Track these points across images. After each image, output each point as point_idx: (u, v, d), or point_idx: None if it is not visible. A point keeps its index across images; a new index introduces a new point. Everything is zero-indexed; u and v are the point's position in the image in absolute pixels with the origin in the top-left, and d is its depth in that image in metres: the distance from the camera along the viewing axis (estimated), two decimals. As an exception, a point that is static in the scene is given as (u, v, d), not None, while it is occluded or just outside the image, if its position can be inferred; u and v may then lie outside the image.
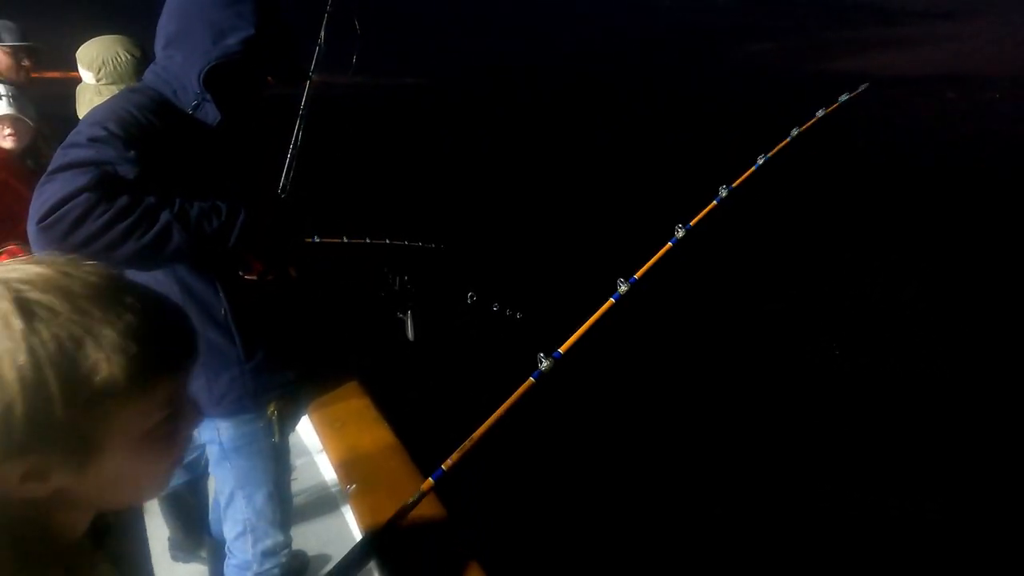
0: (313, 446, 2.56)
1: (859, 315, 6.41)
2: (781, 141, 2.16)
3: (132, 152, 1.23)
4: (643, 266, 1.97)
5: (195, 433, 1.66)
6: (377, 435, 2.40)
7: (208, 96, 1.36)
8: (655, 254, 1.98)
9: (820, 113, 2.31)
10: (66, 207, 1.12)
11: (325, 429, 2.44)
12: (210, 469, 1.71)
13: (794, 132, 2.18)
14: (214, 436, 1.59)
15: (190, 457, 2.22)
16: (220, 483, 1.68)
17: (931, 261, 8.92)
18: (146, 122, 1.30)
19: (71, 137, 1.27)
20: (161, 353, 0.58)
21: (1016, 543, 3.35)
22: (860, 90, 2.51)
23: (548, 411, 2.78)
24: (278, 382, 1.60)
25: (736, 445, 4.03)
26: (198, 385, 1.45)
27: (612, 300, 1.95)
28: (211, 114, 1.38)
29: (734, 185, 2.02)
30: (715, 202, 2.03)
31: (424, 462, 2.02)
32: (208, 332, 1.45)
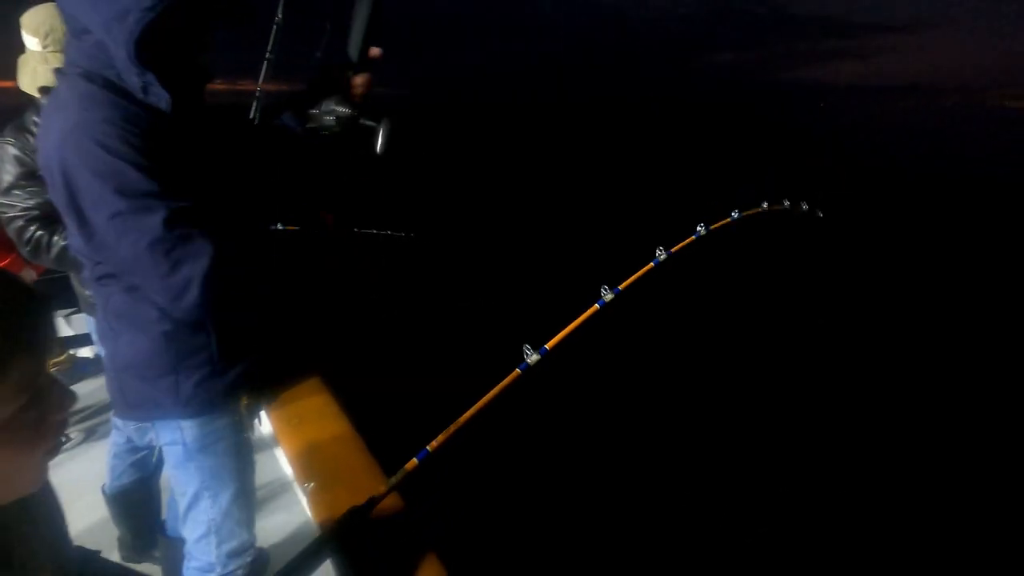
0: (270, 443, 2.44)
1: (831, 327, 6.88)
2: (754, 208, 2.47)
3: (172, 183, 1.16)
4: (627, 279, 2.15)
5: (150, 435, 1.59)
6: (337, 432, 2.34)
7: (149, 75, 1.13)
8: (638, 270, 2.17)
9: (785, 203, 2.64)
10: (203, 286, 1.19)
11: (283, 426, 2.36)
12: (169, 470, 1.61)
13: (764, 205, 2.50)
14: (177, 437, 1.50)
15: (137, 456, 2.09)
16: (183, 484, 1.58)
17: (900, 266, 9.71)
18: (147, 126, 1.16)
19: (119, 182, 1.10)
20: (6, 337, 0.54)
21: (1016, 543, 3.44)
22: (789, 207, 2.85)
23: (531, 406, 2.80)
24: (249, 378, 1.54)
25: (709, 446, 4.20)
26: (164, 386, 1.42)
27: (597, 306, 2.10)
28: (161, 97, 1.15)
29: (712, 227, 2.28)
30: (693, 237, 2.26)
31: (390, 459, 2.00)
32: (180, 332, 1.38)
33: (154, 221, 1.11)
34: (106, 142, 1.09)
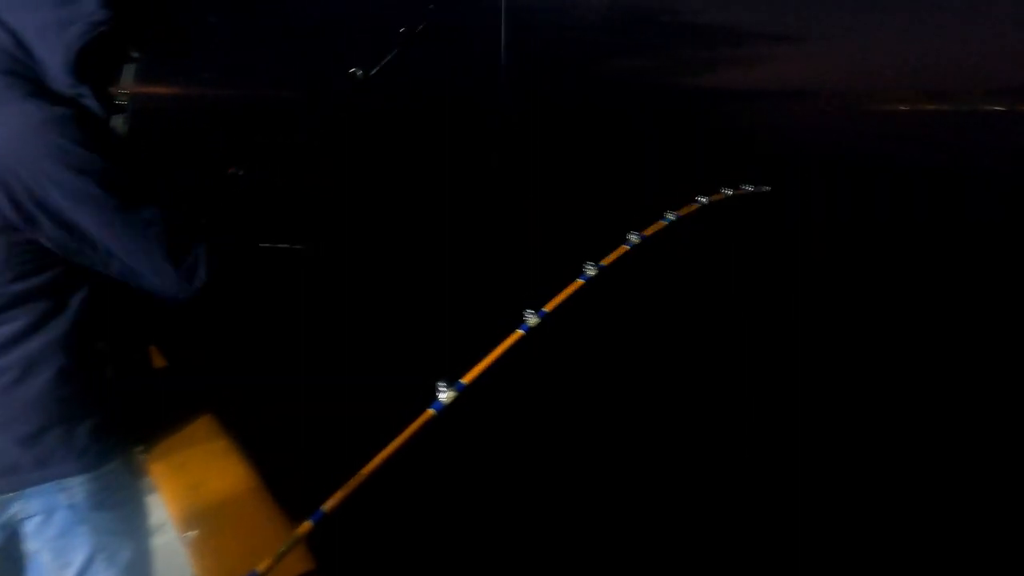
0: (152, 489, 2.15)
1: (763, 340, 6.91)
2: (688, 205, 2.29)
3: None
4: (553, 299, 1.93)
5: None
6: (231, 476, 2.06)
7: (83, 87, 1.11)
8: (565, 288, 1.96)
9: (727, 191, 2.45)
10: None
11: (165, 470, 2.06)
12: (41, 546, 1.35)
13: (703, 200, 2.32)
14: (59, 501, 1.29)
15: None
16: (71, 552, 1.36)
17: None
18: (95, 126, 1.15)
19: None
20: None
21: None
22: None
23: (447, 447, 2.58)
24: (144, 418, 1.50)
25: (643, 485, 4.01)
26: (51, 440, 1.25)
27: (520, 332, 1.88)
28: (94, 109, 1.14)
29: (645, 233, 2.09)
30: (626, 247, 2.07)
31: (295, 506, 1.75)
32: (78, 367, 1.25)
33: (152, 211, 1.16)
34: (79, 137, 1.07)
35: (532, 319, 1.88)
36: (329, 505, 1.61)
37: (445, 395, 1.74)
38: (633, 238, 2.11)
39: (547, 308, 1.91)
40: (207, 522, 1.85)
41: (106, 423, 1.32)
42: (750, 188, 2.65)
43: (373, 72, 2.01)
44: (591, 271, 1.98)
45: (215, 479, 1.98)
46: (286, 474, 1.99)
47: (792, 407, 5.23)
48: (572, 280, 1.95)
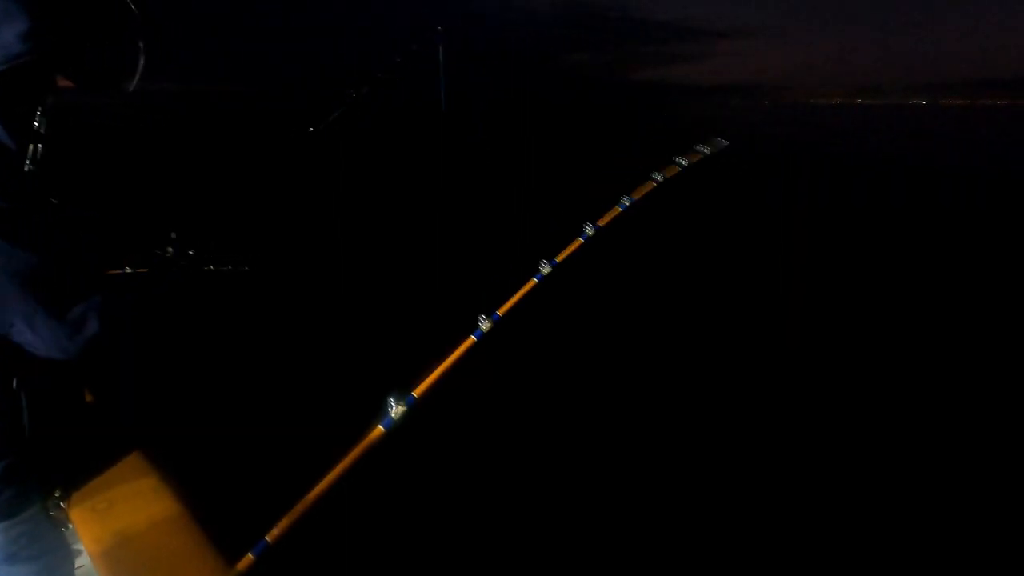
0: (71, 539, 1.96)
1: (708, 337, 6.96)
2: (643, 184, 2.21)
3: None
4: (507, 302, 1.85)
5: None
6: (163, 517, 1.88)
7: None
8: (519, 290, 1.87)
9: (682, 161, 2.36)
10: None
11: (89, 514, 1.88)
12: None
13: (659, 177, 2.22)
14: None
15: None
16: None
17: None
18: None
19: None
20: None
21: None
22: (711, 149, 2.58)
23: (399, 466, 2.45)
24: (65, 458, 1.40)
25: (604, 494, 3.92)
26: None
27: (473, 338, 1.79)
28: (5, 140, 1.11)
29: (600, 223, 2.02)
30: (580, 239, 2.00)
31: (237, 539, 1.62)
32: None
33: (31, 259, 1.06)
34: None
35: (485, 324, 1.80)
36: (273, 535, 1.49)
37: (395, 410, 1.63)
38: (588, 230, 2.04)
39: (500, 312, 1.82)
40: (137, 571, 1.69)
41: (20, 466, 1.23)
42: (705, 150, 2.49)
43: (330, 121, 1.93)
44: (545, 269, 1.91)
45: (145, 522, 1.80)
46: (226, 507, 1.83)
47: (751, 399, 5.31)
48: (526, 280, 1.88)
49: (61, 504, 1.44)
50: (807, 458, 4.35)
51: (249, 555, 1.46)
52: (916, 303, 7.95)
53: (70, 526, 1.85)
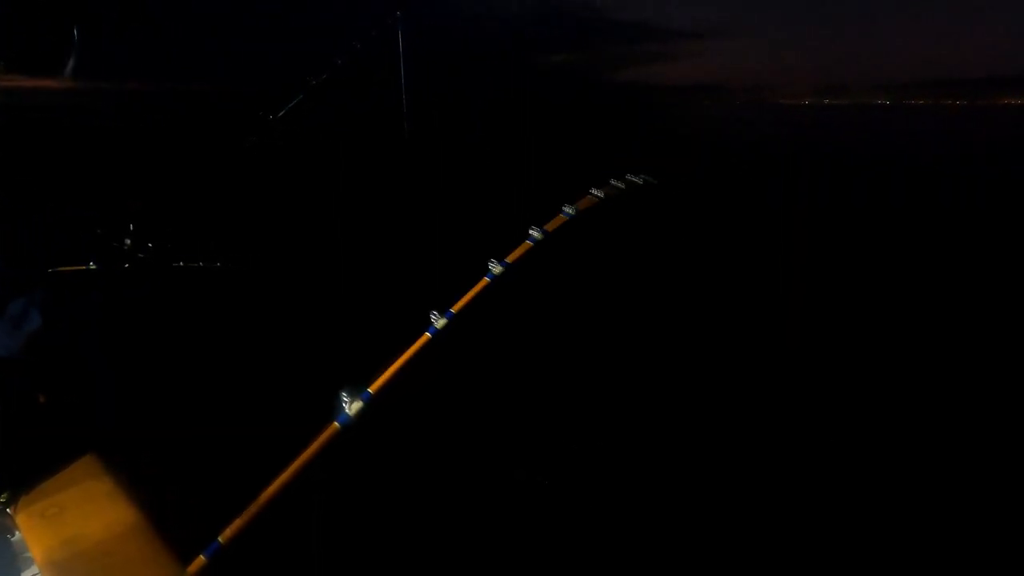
0: (19, 548, 1.92)
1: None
2: (584, 197, 2.30)
3: None
4: (461, 300, 1.88)
5: None
6: (115, 521, 1.86)
7: None
8: (472, 288, 1.91)
9: (598, 193, 2.46)
10: None
11: (36, 520, 1.85)
12: None
13: (570, 211, 2.31)
14: None
15: None
16: None
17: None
18: None
19: None
20: None
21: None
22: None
23: (355, 462, 2.45)
24: (12, 461, 1.37)
25: (564, 492, 3.93)
26: None
27: (428, 334, 1.82)
28: None
29: (547, 228, 2.08)
30: (529, 242, 2.06)
31: (190, 540, 1.62)
32: None
33: None
34: None
35: (439, 321, 1.83)
36: (226, 535, 1.50)
37: (351, 406, 1.65)
38: (535, 233, 2.10)
39: (454, 309, 1.86)
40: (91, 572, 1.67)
41: None
42: (638, 180, 2.70)
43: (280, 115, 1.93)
44: (496, 269, 1.95)
45: (98, 529, 1.78)
46: (181, 509, 1.83)
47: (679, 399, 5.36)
48: (478, 279, 1.92)
49: (8, 510, 1.40)
50: (802, 457, 4.42)
51: (201, 557, 1.47)
52: (888, 301, 8.13)
53: (17, 533, 1.83)
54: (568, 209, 2.22)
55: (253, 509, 1.52)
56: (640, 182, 2.58)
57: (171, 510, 1.79)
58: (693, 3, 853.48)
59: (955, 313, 7.81)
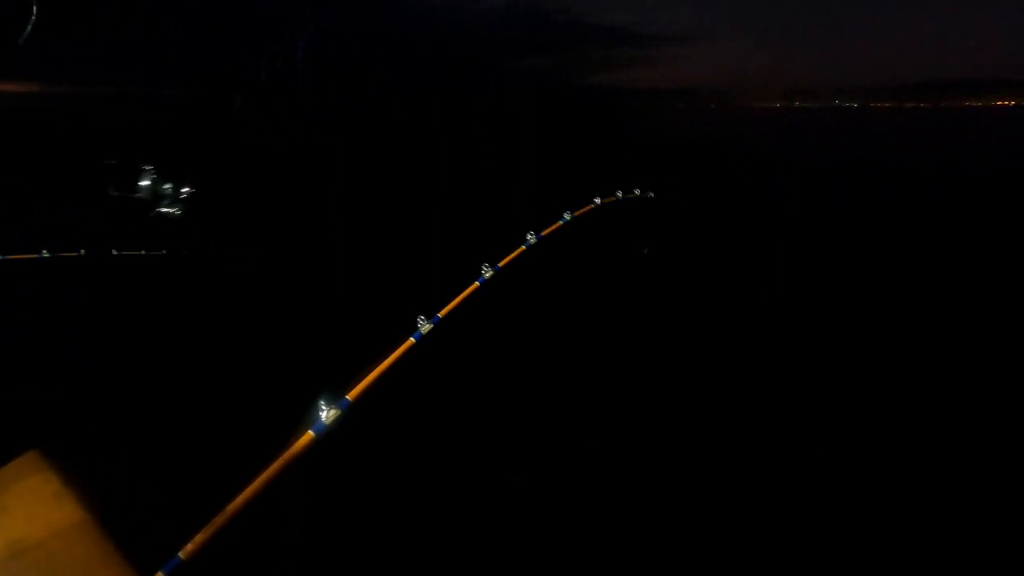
0: None
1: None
2: (585, 205, 2.31)
3: None
4: (447, 305, 1.79)
5: None
6: (64, 525, 1.74)
7: None
8: (459, 294, 1.82)
9: (613, 195, 2.48)
10: None
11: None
12: None
13: (597, 200, 2.36)
14: None
15: None
16: None
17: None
18: None
19: None
20: None
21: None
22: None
23: (331, 474, 2.31)
24: None
25: (547, 501, 3.84)
26: None
27: (412, 339, 1.72)
28: None
29: (543, 234, 2.02)
30: (523, 247, 1.98)
31: (148, 554, 1.50)
32: None
33: None
34: None
35: (425, 326, 1.74)
36: (188, 550, 1.39)
37: (327, 414, 1.55)
38: (531, 238, 2.03)
39: (441, 314, 1.77)
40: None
41: None
42: (637, 192, 2.84)
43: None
44: (487, 273, 1.86)
45: (43, 531, 1.65)
46: (136, 516, 1.70)
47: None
48: (469, 284, 1.83)
49: None
50: (797, 456, 4.44)
51: (159, 573, 1.36)
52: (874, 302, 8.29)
53: None
54: (567, 216, 2.17)
55: (218, 522, 1.41)
56: (638, 194, 2.60)
57: (126, 516, 1.66)
58: (667, 8, 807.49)
59: (921, 309, 8.05)
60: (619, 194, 2.40)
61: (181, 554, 1.37)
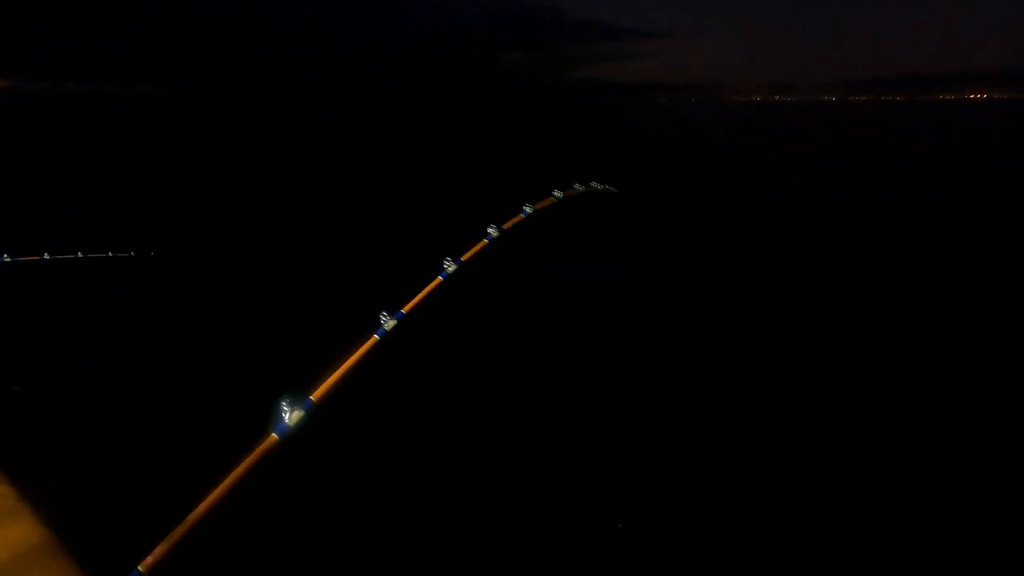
0: None
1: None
2: (545, 199, 2.32)
3: None
4: (411, 300, 1.77)
5: None
6: (18, 538, 1.66)
7: None
8: (423, 288, 1.81)
9: (528, 208, 2.46)
10: None
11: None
12: None
13: (557, 194, 2.39)
14: None
15: None
16: None
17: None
18: None
19: None
20: None
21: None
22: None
23: (296, 479, 2.24)
24: None
25: (515, 499, 3.78)
26: None
27: (376, 336, 1.70)
28: None
29: (504, 227, 2.02)
30: (485, 240, 1.98)
31: (105, 568, 1.43)
32: None
33: None
34: None
35: (389, 322, 1.71)
36: (147, 563, 1.33)
37: (291, 416, 1.51)
38: (492, 231, 2.03)
39: (404, 309, 1.75)
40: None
41: None
42: (598, 187, 2.89)
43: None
44: (451, 267, 1.85)
45: (1, 551, 1.57)
46: (96, 529, 1.62)
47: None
48: (432, 278, 1.81)
49: None
50: (789, 454, 4.47)
51: (118, 589, 1.29)
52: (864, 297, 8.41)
53: None
54: (527, 208, 2.18)
55: (178, 532, 1.35)
56: (601, 188, 2.63)
57: (85, 531, 1.58)
58: (647, 4, 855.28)
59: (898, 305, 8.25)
60: (577, 186, 2.41)
61: (141, 567, 1.31)
